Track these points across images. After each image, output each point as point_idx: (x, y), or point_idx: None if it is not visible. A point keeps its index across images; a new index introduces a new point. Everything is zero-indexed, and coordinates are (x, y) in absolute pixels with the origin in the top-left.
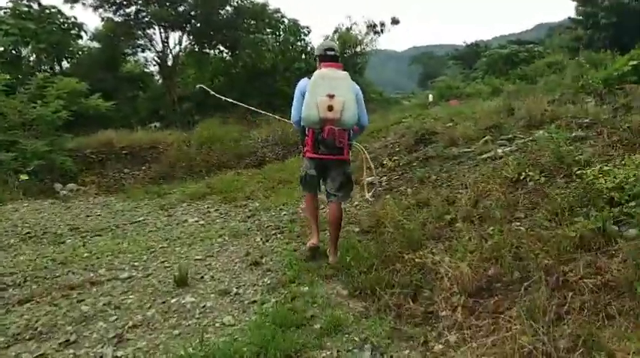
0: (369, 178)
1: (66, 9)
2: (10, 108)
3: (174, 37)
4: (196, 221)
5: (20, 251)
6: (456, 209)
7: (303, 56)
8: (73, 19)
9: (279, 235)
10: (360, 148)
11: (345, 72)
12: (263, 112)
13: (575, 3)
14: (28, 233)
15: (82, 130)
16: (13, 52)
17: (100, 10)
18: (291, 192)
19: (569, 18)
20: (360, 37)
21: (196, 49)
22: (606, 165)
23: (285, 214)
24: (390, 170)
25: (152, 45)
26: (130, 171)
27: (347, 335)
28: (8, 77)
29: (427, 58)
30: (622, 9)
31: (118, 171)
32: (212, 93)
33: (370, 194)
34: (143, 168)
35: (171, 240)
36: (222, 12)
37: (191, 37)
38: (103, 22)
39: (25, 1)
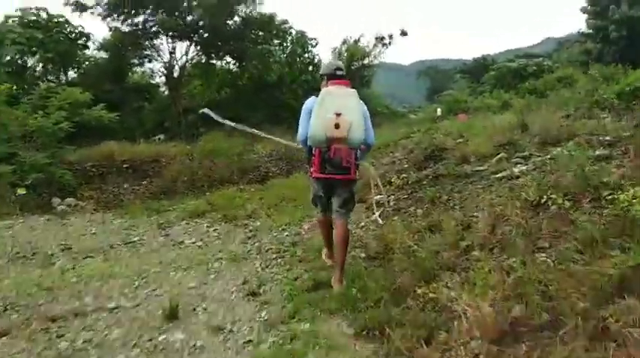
0: (377, 197)
1: (74, 18)
2: (11, 119)
3: (181, 47)
4: (193, 242)
5: (6, 273)
6: (471, 235)
7: (310, 68)
8: (80, 29)
9: (279, 260)
10: (368, 169)
11: (354, 89)
12: (269, 137)
13: (585, 16)
14: (18, 253)
15: (85, 142)
16: (19, 61)
17: (109, 19)
18: (294, 211)
19: (579, 32)
20: (367, 49)
21: (203, 60)
22: None
23: (287, 235)
24: (399, 188)
25: (159, 55)
26: (130, 186)
27: None
28: (15, 87)
29: (434, 72)
30: (633, 22)
31: (118, 185)
32: (215, 118)
33: (378, 214)
34: (144, 182)
35: (165, 264)
36: (229, 22)
37: (198, 48)
38: (110, 32)
39: (33, 10)
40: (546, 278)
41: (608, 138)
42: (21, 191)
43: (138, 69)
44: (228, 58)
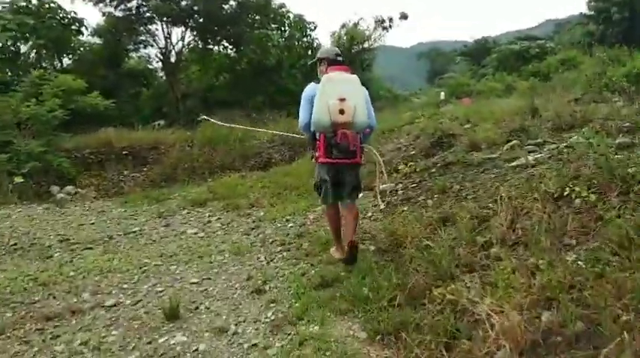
0: (383, 185)
1: (66, 3)
2: (4, 106)
3: (176, 32)
4: (195, 233)
5: (2, 267)
6: (488, 229)
7: (309, 52)
8: (73, 14)
9: (284, 253)
10: (373, 152)
11: (355, 75)
12: (270, 132)
13: None
14: (15, 244)
15: (81, 129)
16: (12, 48)
17: (101, 4)
18: (298, 200)
19: (580, 13)
20: (367, 33)
21: (200, 45)
22: None
23: (291, 226)
24: (406, 176)
25: (155, 41)
26: (130, 173)
27: None
28: (9, 74)
29: (435, 54)
30: (635, 3)
31: (118, 172)
32: (218, 123)
33: (384, 203)
34: (144, 169)
35: (166, 256)
36: (225, 7)
37: (194, 33)
38: (104, 18)
39: None
40: (578, 281)
41: (627, 124)
42: (18, 179)
43: (134, 54)
44: (226, 43)
